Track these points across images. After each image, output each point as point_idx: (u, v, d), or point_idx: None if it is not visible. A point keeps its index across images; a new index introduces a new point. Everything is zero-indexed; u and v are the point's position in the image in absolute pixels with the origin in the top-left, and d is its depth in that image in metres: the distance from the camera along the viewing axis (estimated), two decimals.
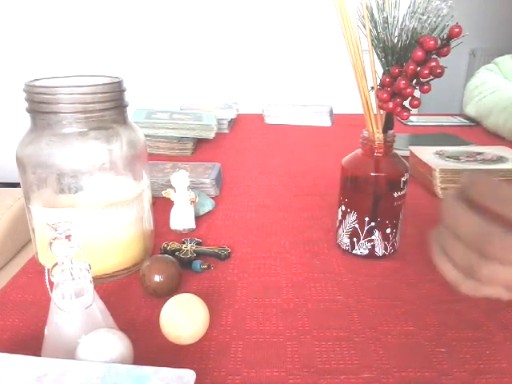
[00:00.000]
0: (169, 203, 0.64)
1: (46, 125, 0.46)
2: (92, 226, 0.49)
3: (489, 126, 1.19)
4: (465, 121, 1.30)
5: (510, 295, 0.35)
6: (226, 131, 1.21)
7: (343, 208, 0.56)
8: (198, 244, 0.58)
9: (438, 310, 0.46)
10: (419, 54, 0.44)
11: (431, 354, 0.40)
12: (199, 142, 1.07)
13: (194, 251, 0.55)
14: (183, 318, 0.40)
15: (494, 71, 1.32)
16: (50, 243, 0.36)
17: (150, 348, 0.41)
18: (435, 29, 0.47)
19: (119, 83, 0.49)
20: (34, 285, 0.51)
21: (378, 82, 0.50)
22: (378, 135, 0.52)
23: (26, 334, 0.43)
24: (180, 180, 0.62)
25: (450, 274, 0.36)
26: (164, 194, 0.64)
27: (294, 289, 0.50)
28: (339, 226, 0.57)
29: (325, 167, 0.92)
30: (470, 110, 1.28)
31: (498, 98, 1.18)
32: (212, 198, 0.73)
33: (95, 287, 0.39)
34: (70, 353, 0.35)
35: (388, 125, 0.53)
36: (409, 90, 0.47)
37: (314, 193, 0.78)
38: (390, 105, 0.49)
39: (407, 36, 0.47)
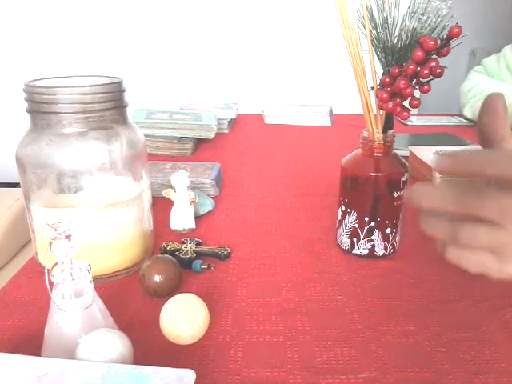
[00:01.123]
0: (169, 203, 0.64)
1: (45, 125, 0.46)
2: (92, 225, 0.49)
3: None
4: (465, 121, 1.30)
5: (496, 266, 0.35)
6: (226, 131, 1.21)
7: (343, 208, 0.56)
8: (198, 244, 0.58)
9: (438, 310, 0.46)
10: (419, 54, 0.44)
11: (431, 354, 0.40)
12: (199, 142, 1.07)
13: (194, 251, 0.55)
14: (183, 318, 0.40)
15: (483, 72, 1.33)
16: (50, 243, 0.36)
17: (149, 348, 0.41)
18: (435, 29, 0.47)
19: (119, 83, 0.49)
20: (34, 285, 0.51)
21: (378, 81, 0.50)
22: (378, 135, 0.52)
23: (26, 334, 0.43)
24: (180, 180, 0.62)
25: (437, 241, 0.37)
26: (164, 194, 0.64)
27: (293, 289, 0.50)
28: (339, 226, 0.57)
29: (325, 167, 0.92)
30: (467, 112, 1.29)
31: None
32: (212, 198, 0.73)
33: (95, 287, 0.39)
34: (70, 353, 0.35)
35: (388, 125, 0.53)
36: (409, 90, 0.47)
37: (314, 193, 0.78)
38: (390, 105, 0.49)
39: (407, 36, 0.47)
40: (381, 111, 0.52)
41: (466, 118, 1.31)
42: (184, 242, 0.58)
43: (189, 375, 0.33)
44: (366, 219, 0.54)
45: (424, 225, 0.38)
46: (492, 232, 0.34)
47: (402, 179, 0.53)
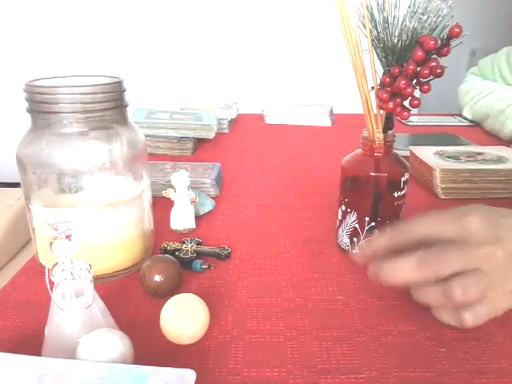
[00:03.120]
0: (169, 203, 0.64)
1: (46, 125, 0.46)
2: (92, 225, 0.49)
3: (486, 129, 1.20)
4: (465, 121, 1.30)
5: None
6: (226, 131, 1.21)
7: (343, 208, 0.56)
8: (198, 244, 0.58)
9: None
10: (419, 53, 0.44)
11: (431, 354, 0.40)
12: (199, 142, 1.07)
13: (194, 251, 0.55)
14: (183, 317, 0.40)
15: (477, 75, 1.33)
16: (51, 243, 0.36)
17: (149, 348, 0.41)
18: (435, 29, 0.47)
19: (119, 83, 0.49)
20: (34, 285, 0.51)
21: (378, 81, 0.50)
22: (378, 135, 0.52)
23: (26, 333, 0.43)
24: (180, 180, 0.62)
25: (449, 318, 0.42)
26: (164, 193, 0.64)
27: (294, 289, 0.50)
28: (339, 226, 0.57)
29: (325, 167, 0.92)
30: (467, 114, 1.30)
31: (493, 100, 1.18)
32: (212, 197, 0.73)
33: (95, 287, 0.39)
34: (70, 352, 0.35)
35: (388, 125, 0.53)
36: (409, 90, 0.47)
37: (314, 193, 0.78)
38: (390, 105, 0.49)
39: (407, 36, 0.47)
40: (381, 111, 0.52)
41: (465, 118, 1.31)
42: (184, 242, 0.58)
43: (189, 375, 0.33)
44: (367, 219, 0.54)
45: (415, 296, 0.43)
46: (479, 279, 0.39)
47: (403, 179, 0.53)
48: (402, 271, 0.41)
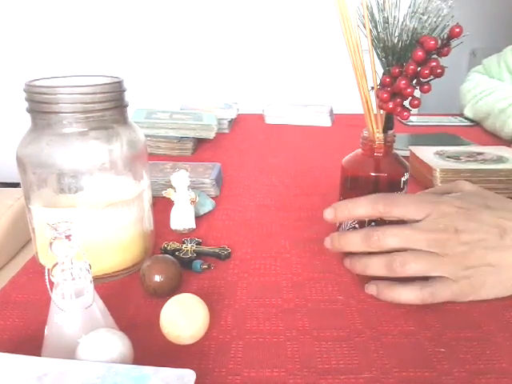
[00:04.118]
0: (169, 203, 0.63)
1: (46, 125, 0.46)
2: (92, 225, 0.49)
3: (487, 129, 1.19)
4: (465, 121, 1.30)
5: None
6: (226, 131, 1.21)
7: None
8: (198, 244, 0.58)
9: (438, 310, 0.46)
10: (419, 53, 0.44)
11: (431, 354, 0.40)
12: (199, 142, 1.07)
13: (194, 251, 0.55)
14: (183, 318, 0.40)
15: (482, 72, 1.33)
16: (50, 243, 0.36)
17: (149, 348, 0.41)
18: (435, 29, 0.47)
19: (119, 83, 0.49)
20: (34, 285, 0.51)
21: (379, 81, 0.50)
22: (378, 135, 0.52)
23: (26, 334, 0.43)
24: (180, 180, 0.62)
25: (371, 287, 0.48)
26: (164, 193, 0.64)
27: (294, 289, 0.50)
28: (339, 226, 0.57)
29: (325, 167, 0.92)
30: (468, 113, 1.30)
31: (494, 99, 1.18)
32: (212, 197, 0.73)
33: (95, 287, 0.39)
34: (70, 352, 0.35)
35: (388, 125, 0.53)
36: (409, 90, 0.47)
37: (314, 193, 0.78)
38: (390, 105, 0.49)
39: (407, 36, 0.47)
40: (381, 111, 0.52)
41: (466, 118, 1.31)
42: (184, 242, 0.58)
43: (189, 375, 0.33)
44: (367, 219, 0.54)
45: (361, 269, 0.48)
46: (419, 257, 0.44)
47: (403, 179, 0.53)
48: (350, 242, 0.47)
